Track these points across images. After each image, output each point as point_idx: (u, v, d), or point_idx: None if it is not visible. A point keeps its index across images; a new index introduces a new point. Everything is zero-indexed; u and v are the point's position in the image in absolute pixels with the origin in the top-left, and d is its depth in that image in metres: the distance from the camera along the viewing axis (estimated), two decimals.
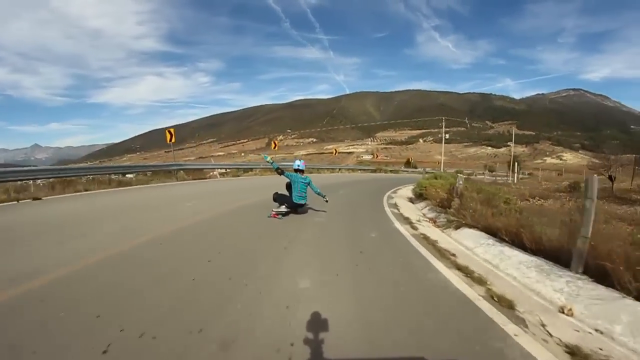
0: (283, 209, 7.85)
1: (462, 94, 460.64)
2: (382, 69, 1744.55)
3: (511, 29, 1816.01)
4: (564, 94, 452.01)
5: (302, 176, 8.13)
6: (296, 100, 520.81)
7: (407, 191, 16.67)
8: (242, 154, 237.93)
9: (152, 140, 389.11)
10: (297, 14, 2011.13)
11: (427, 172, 26.24)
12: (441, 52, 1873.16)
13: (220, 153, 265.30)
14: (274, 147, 39.47)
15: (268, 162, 8.30)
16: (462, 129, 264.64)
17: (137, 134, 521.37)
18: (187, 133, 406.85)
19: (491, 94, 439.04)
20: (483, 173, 66.66)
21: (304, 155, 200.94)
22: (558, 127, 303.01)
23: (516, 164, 46.84)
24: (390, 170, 52.21)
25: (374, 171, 45.34)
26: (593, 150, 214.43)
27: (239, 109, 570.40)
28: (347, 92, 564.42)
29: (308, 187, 8.12)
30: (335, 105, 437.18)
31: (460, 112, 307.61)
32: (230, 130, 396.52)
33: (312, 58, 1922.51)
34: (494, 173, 66.50)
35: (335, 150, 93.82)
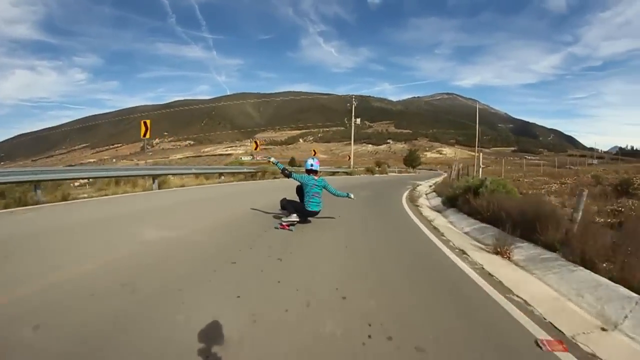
0: (294, 217, 6.63)
1: (342, 95, 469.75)
2: (264, 71, 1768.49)
3: (393, 38, 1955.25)
4: (438, 97, 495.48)
5: (316, 178, 6.96)
6: (175, 101, 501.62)
7: None
8: (114, 160, 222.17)
9: (20, 146, 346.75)
10: (185, 10, 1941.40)
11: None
12: (324, 57, 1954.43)
13: (91, 159, 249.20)
14: (256, 148, 33.57)
15: (273, 162, 7.55)
16: (342, 128, 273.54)
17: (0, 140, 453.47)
18: (58, 138, 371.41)
19: (370, 96, 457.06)
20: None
21: (180, 159, 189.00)
22: (433, 125, 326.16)
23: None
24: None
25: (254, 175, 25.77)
26: (467, 145, 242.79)
27: (114, 110, 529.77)
28: (228, 93, 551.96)
29: (324, 190, 7.05)
30: (215, 106, 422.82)
31: (340, 113, 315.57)
32: (104, 134, 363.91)
33: (195, 57, 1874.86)
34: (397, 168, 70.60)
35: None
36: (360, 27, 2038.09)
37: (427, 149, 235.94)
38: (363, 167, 49.72)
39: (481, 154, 22.64)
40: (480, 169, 20.62)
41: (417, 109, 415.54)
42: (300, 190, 7.03)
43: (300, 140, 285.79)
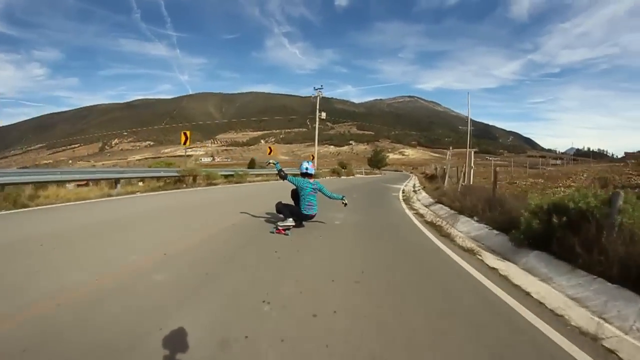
0: (290, 222, 6.46)
1: (305, 97, 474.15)
2: (227, 71, 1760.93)
3: (358, 41, 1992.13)
4: (400, 100, 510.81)
5: (311, 181, 6.90)
6: (135, 100, 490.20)
7: None
8: (70, 162, 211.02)
9: None
10: (151, 5, 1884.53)
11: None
12: (288, 58, 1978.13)
13: (46, 161, 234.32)
14: (269, 153, 30.58)
15: (273, 163, 7.47)
16: (304, 129, 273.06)
17: None
18: (14, 137, 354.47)
19: (332, 97, 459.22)
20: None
21: (138, 160, 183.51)
22: (395, 127, 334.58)
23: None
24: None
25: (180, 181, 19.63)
26: (429, 147, 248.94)
27: (73, 108, 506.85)
28: (191, 93, 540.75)
29: (319, 193, 7.04)
30: (176, 105, 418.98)
31: (302, 115, 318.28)
32: (62, 133, 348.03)
33: (158, 55, 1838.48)
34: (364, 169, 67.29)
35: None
36: (326, 29, 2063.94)
37: (390, 150, 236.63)
38: (328, 168, 46.04)
39: (472, 151, 19.60)
40: (472, 171, 18.17)
41: (380, 111, 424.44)
42: (295, 194, 6.99)
43: (262, 141, 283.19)
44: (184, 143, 17.98)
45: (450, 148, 30.66)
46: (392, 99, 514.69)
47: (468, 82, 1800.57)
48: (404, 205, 12.27)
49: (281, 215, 6.60)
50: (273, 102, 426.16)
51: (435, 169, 40.35)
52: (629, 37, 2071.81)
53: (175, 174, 16.47)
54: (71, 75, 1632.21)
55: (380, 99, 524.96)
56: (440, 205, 11.49)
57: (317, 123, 30.93)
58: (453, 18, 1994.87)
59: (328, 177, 34.56)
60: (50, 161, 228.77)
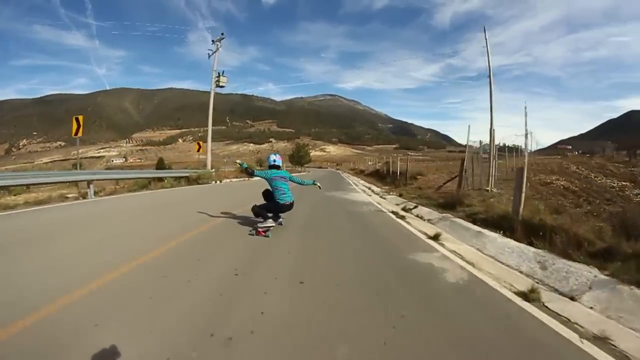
0: (270, 223, 6.33)
1: (225, 94, 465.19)
2: (147, 65, 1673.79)
3: (282, 40, 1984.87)
4: (321, 98, 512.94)
5: (279, 171, 6.68)
6: (48, 95, 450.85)
7: None
8: None
9: None
10: None
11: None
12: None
13: None
14: (198, 150, 27.28)
15: (239, 163, 7.00)
16: (223, 127, 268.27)
17: None
18: None
19: (253, 95, 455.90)
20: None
21: (45, 164, 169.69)
22: (315, 125, 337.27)
23: None
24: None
25: None
26: (350, 143, 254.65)
27: None
28: (108, 88, 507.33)
29: (289, 182, 6.77)
30: (91, 101, 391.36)
31: (221, 112, 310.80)
32: None
33: (76, 45, 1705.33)
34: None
35: None
36: (251, 27, 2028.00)
37: (311, 147, 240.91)
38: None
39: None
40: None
41: (300, 109, 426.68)
42: (267, 193, 6.94)
43: (180, 140, 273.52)
44: (75, 133, 14.47)
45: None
46: (313, 97, 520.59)
47: (387, 82, 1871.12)
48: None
49: (260, 219, 6.46)
50: (192, 99, 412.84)
51: (376, 164, 40.21)
52: (541, 48, 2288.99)
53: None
54: None
55: (301, 97, 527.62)
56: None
57: (212, 89, 26.29)
58: (377, 21, 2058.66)
59: (233, 181, 22.62)
60: None
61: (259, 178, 6.69)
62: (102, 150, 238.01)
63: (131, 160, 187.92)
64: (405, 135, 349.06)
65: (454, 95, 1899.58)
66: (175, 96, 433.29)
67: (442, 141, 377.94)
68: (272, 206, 6.54)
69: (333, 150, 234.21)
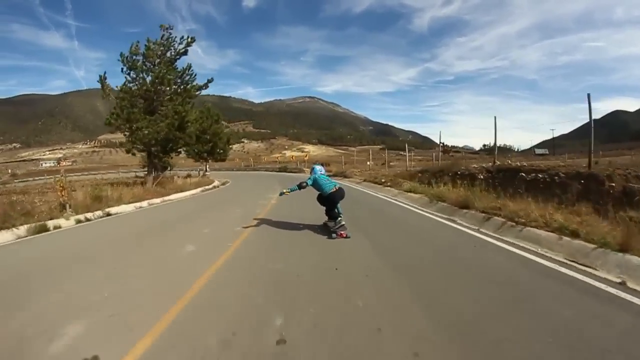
0: (341, 220, 6.66)
1: (202, 95, 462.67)
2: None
3: (262, 43, 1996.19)
4: (300, 101, 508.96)
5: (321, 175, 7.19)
6: (18, 96, 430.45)
7: None
8: None
9: None
10: None
11: None
12: (189, 56, 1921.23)
13: None
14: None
15: (288, 191, 7.12)
16: None
17: None
18: None
19: (230, 96, 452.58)
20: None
21: None
22: (294, 126, 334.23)
23: None
24: None
25: None
26: (331, 144, 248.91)
27: None
28: (85, 88, 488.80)
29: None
30: (60, 102, 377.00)
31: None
32: None
33: (54, 46, 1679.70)
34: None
35: None
36: (231, 30, 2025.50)
37: (287, 147, 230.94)
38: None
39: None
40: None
41: (278, 110, 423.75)
42: (320, 197, 7.22)
43: None
44: None
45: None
46: (292, 99, 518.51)
47: (367, 85, 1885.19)
48: None
49: (332, 222, 6.70)
50: None
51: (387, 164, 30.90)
52: (518, 52, 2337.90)
53: None
54: None
55: (280, 99, 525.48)
56: None
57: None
58: (356, 26, 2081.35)
59: None
60: None
61: (309, 185, 6.77)
62: (48, 153, 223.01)
63: (64, 164, 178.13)
64: (388, 136, 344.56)
65: (432, 99, 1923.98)
66: None
67: (424, 142, 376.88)
68: (331, 201, 6.74)
69: (313, 149, 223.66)
